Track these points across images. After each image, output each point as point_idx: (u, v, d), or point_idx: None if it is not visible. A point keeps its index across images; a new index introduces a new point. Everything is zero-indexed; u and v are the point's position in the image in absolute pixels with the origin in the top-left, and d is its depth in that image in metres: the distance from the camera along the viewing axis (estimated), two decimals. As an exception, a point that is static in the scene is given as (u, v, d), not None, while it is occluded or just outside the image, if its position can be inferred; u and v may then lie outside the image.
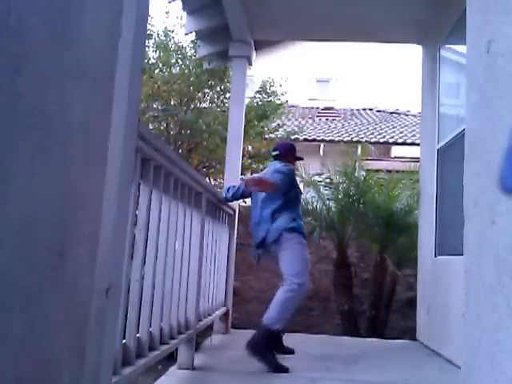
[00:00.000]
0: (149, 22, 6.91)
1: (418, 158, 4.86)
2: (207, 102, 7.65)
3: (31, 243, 0.83)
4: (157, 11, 8.60)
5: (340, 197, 5.56)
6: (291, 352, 3.30)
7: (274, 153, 3.61)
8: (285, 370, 2.81)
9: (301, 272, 3.13)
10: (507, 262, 1.18)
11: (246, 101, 5.80)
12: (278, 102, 8.36)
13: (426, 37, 4.63)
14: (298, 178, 5.94)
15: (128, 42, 1.26)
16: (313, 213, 5.58)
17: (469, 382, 1.40)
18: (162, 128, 7.09)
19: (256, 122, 7.54)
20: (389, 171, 6.28)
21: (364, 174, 5.76)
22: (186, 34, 4.92)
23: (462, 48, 3.71)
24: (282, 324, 3.04)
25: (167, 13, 7.65)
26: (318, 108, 15.36)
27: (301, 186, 7.29)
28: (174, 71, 7.39)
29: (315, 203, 5.63)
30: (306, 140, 11.17)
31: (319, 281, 6.05)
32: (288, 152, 3.59)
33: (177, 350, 2.63)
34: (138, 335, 1.80)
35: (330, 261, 5.83)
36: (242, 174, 4.41)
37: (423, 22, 4.48)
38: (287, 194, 3.30)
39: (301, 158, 3.78)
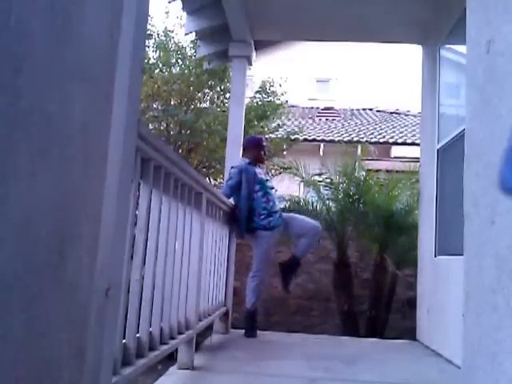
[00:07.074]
0: (149, 22, 6.91)
1: (418, 158, 4.86)
2: (207, 102, 7.65)
3: (31, 243, 0.83)
4: (157, 11, 8.60)
5: (340, 197, 5.55)
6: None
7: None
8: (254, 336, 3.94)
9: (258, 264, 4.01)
10: (507, 262, 1.18)
11: (246, 101, 5.80)
12: (278, 102, 8.36)
13: (425, 37, 4.63)
14: (296, 178, 5.97)
15: (128, 42, 1.26)
16: (313, 213, 5.57)
17: (469, 382, 1.40)
18: (161, 128, 7.08)
19: (256, 122, 7.54)
20: (389, 171, 6.27)
21: (364, 174, 5.75)
22: (185, 34, 4.93)
23: (462, 48, 3.71)
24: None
25: (167, 13, 7.65)
26: (318, 108, 15.36)
27: (300, 185, 7.34)
28: (174, 71, 7.39)
29: (315, 203, 5.63)
30: (305, 140, 11.17)
31: (319, 281, 6.05)
32: (248, 147, 4.13)
33: (177, 350, 2.63)
34: (137, 335, 1.80)
35: (330, 261, 5.82)
36: None
37: (423, 23, 4.48)
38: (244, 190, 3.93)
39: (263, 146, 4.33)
